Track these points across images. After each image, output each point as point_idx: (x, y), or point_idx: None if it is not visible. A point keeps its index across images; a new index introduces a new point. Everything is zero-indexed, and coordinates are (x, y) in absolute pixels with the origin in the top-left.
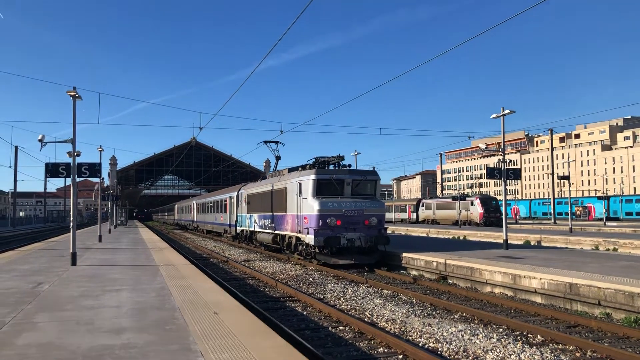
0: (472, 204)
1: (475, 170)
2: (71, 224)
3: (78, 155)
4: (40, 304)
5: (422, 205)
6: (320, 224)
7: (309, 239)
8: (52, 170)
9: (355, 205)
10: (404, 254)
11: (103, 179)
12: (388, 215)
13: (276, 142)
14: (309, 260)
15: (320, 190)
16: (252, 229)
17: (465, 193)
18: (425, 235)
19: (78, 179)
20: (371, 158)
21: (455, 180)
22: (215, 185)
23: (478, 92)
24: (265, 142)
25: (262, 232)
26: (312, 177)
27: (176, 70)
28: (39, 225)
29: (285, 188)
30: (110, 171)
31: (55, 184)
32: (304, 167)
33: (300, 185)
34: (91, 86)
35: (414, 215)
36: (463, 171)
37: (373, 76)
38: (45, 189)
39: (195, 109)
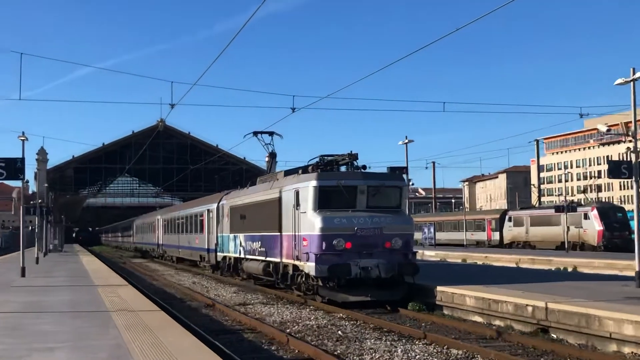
0: (585, 217)
1: (590, 165)
2: None
3: None
4: None
5: (509, 220)
6: (323, 248)
7: (309, 267)
8: None
9: (371, 222)
10: (475, 293)
11: (27, 182)
12: (455, 236)
13: (270, 134)
14: (311, 297)
15: (324, 200)
16: (236, 254)
17: (576, 201)
18: (514, 265)
19: None
20: (430, 148)
21: (558, 180)
22: (195, 191)
23: (593, 48)
24: (255, 133)
25: (251, 260)
26: (313, 183)
27: (135, 19)
28: None
29: (280, 198)
30: (38, 170)
31: None
32: (305, 169)
33: (297, 194)
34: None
35: (496, 235)
36: (571, 167)
37: (428, 28)
38: None
39: (164, 77)
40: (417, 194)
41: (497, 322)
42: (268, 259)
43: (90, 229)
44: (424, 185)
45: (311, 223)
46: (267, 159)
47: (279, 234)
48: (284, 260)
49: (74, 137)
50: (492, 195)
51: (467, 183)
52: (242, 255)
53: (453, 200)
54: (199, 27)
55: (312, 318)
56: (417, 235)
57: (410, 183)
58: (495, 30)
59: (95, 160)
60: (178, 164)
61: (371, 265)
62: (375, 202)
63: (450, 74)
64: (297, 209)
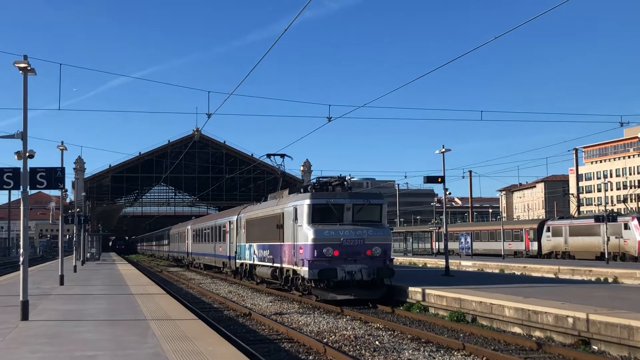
0: (625, 227)
1: (630, 174)
2: (21, 259)
3: (31, 156)
4: None
5: (547, 230)
6: (315, 255)
7: (304, 271)
8: None
9: (355, 234)
10: (515, 304)
11: (66, 191)
12: (493, 246)
13: (282, 156)
14: (307, 296)
15: (316, 216)
16: (251, 261)
17: (615, 210)
18: (552, 276)
19: (30, 192)
20: (467, 157)
21: (598, 190)
22: (230, 200)
23: (633, 56)
24: (269, 155)
25: (262, 266)
26: (307, 201)
27: (170, 30)
28: None
29: (283, 214)
30: (76, 180)
31: None
32: (305, 189)
33: (296, 210)
34: (50, 55)
35: (534, 246)
36: (611, 176)
37: (465, 37)
38: None
39: (201, 87)
40: (453, 203)
41: (537, 334)
42: (275, 264)
43: (127, 237)
44: (460, 194)
45: (305, 234)
46: (302, 168)
47: (282, 243)
48: (286, 265)
49: (110, 147)
50: (529, 204)
51: (504, 192)
52: (256, 262)
53: (490, 210)
54: (232, 38)
55: (348, 328)
56: (453, 245)
57: (447, 192)
58: (532, 38)
59: (131, 170)
60: (213, 173)
61: (355, 269)
62: (359, 217)
63: (489, 82)
64: (295, 223)
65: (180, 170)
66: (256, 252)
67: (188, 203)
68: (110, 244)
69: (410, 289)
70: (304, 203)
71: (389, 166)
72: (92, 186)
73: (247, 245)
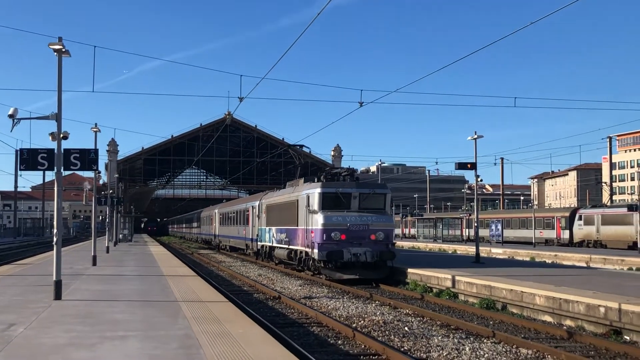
0: None
1: None
2: (54, 239)
3: (65, 138)
4: (12, 356)
5: (579, 218)
6: (324, 238)
7: (315, 253)
8: (29, 159)
9: (360, 220)
10: (546, 293)
11: (99, 172)
12: (524, 234)
13: (300, 146)
14: (318, 275)
15: (326, 203)
16: (270, 243)
17: None
18: (584, 265)
19: (64, 173)
20: (499, 144)
21: (631, 179)
22: (260, 184)
23: None
24: (289, 146)
25: (279, 248)
26: (318, 190)
27: (204, 14)
28: (6, 240)
29: (297, 200)
30: (109, 162)
31: (28, 179)
32: (319, 179)
33: (308, 197)
34: (84, 38)
35: (565, 234)
36: None
37: (500, 23)
38: (15, 187)
39: (233, 70)
40: (484, 190)
41: (568, 323)
42: (290, 247)
43: (158, 219)
44: (492, 181)
45: (316, 220)
46: (332, 152)
47: (296, 227)
48: (300, 248)
49: (143, 129)
50: (561, 193)
51: (536, 180)
52: (274, 244)
53: (521, 198)
54: (265, 22)
55: (377, 313)
56: (484, 233)
57: (479, 179)
58: (568, 24)
59: (164, 152)
60: (244, 156)
61: (360, 252)
62: (365, 205)
63: (522, 68)
64: (308, 209)
65: (212, 154)
66: (275, 235)
67: (219, 186)
68: (143, 225)
69: (433, 273)
70: (315, 191)
71: (420, 152)
72: (125, 168)
73: (267, 229)
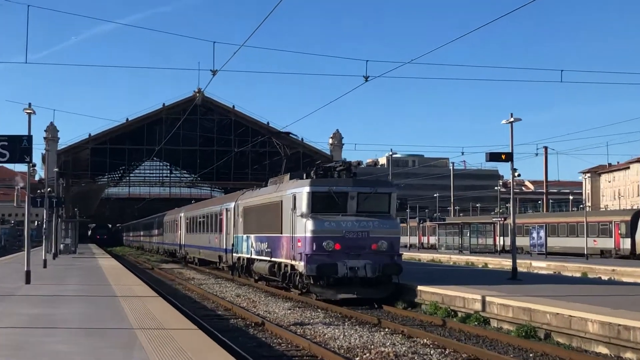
0: None
1: None
2: None
3: None
4: None
5: None
6: (314, 249)
7: (302, 267)
8: None
9: (359, 225)
10: (600, 317)
11: (34, 166)
12: (572, 243)
13: (287, 134)
14: (307, 294)
15: (316, 205)
16: (248, 255)
17: None
18: None
19: None
20: (541, 129)
21: None
22: (239, 180)
23: None
24: (273, 134)
25: (259, 260)
26: (307, 189)
27: None
28: None
29: (281, 201)
30: (47, 153)
31: None
32: (308, 174)
33: (295, 198)
34: None
35: (626, 243)
36: None
37: None
38: None
39: (205, 36)
40: (523, 187)
41: (629, 355)
42: (273, 259)
43: (110, 225)
44: (533, 176)
45: (304, 225)
46: (330, 141)
47: (280, 235)
48: (284, 260)
49: (91, 111)
50: (621, 191)
51: (588, 175)
52: (253, 256)
53: (570, 197)
54: None
55: (387, 344)
56: (523, 242)
57: (516, 174)
58: None
59: (117, 140)
60: (219, 145)
61: (358, 265)
62: (365, 207)
63: (571, 33)
64: (294, 212)
65: (178, 142)
66: (254, 244)
67: (187, 183)
68: (90, 233)
69: (458, 293)
70: (303, 190)
71: (442, 140)
72: (67, 160)
73: (245, 236)
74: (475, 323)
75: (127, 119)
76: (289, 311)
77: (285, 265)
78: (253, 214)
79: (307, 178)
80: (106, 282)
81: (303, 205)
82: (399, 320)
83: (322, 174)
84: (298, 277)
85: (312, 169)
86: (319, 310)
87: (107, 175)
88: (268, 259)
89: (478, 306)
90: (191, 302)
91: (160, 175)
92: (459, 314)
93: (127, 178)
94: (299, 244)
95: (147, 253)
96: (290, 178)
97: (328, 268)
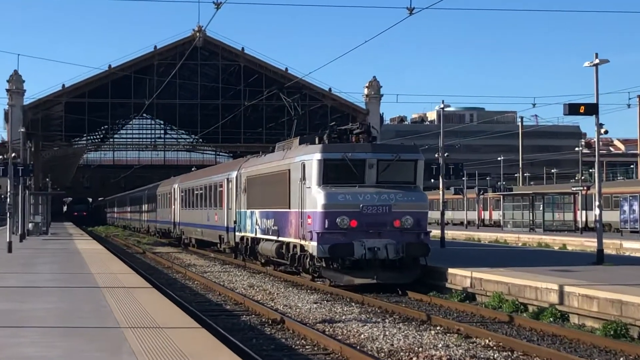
0: None
1: None
2: None
3: None
4: None
5: None
6: (326, 226)
7: (312, 247)
8: None
9: (379, 199)
10: None
11: None
12: None
13: (298, 91)
14: (319, 279)
15: (329, 175)
16: (253, 234)
17: None
18: None
19: None
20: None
21: None
22: (251, 142)
23: None
24: (280, 89)
25: (265, 240)
26: (317, 155)
27: None
28: None
29: (289, 170)
30: (10, 108)
31: None
32: (321, 138)
33: (304, 166)
34: None
35: None
36: None
37: None
38: None
39: None
40: (611, 148)
41: None
42: (280, 238)
43: (91, 199)
44: (623, 134)
45: (314, 199)
46: (366, 91)
47: (288, 210)
48: (292, 239)
49: (65, 56)
50: None
51: None
52: (259, 235)
53: None
54: None
55: (439, 346)
56: (612, 217)
57: (602, 131)
58: None
59: (97, 93)
60: (225, 98)
61: (378, 245)
62: (386, 177)
63: None
64: (303, 183)
65: (174, 95)
66: (259, 221)
67: (185, 146)
68: (66, 209)
69: (528, 282)
70: (312, 157)
71: (507, 90)
72: (36, 118)
73: (249, 212)
74: (550, 319)
75: (110, 66)
76: (315, 305)
77: (294, 246)
78: (258, 186)
79: (319, 143)
80: (86, 269)
81: (313, 174)
82: (454, 316)
83: (336, 138)
84: (308, 260)
85: (325, 132)
86: (353, 304)
87: (86, 136)
88: (275, 238)
89: (554, 298)
90: (192, 294)
91: (153, 136)
92: (529, 309)
93: (111, 140)
94: (309, 220)
95: (137, 233)
96: (300, 142)
97: (343, 249)
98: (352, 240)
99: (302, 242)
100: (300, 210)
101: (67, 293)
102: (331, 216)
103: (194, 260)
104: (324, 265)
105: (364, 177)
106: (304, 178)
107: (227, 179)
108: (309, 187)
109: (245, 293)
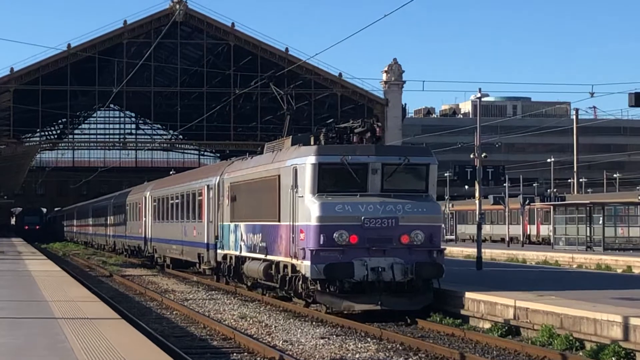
0: None
1: None
2: None
3: None
4: None
5: None
6: (321, 242)
7: (305, 267)
8: None
9: (383, 210)
10: None
11: None
12: None
13: (301, 77)
14: (313, 305)
15: (325, 181)
16: (237, 252)
17: None
18: None
19: None
20: None
21: None
22: (241, 140)
23: None
24: (270, 78)
25: (251, 259)
26: (311, 159)
27: None
28: None
29: (279, 176)
30: None
31: None
32: (316, 138)
33: (295, 172)
34: None
35: None
36: None
37: None
38: None
39: None
40: None
41: None
42: (269, 257)
43: (45, 210)
44: None
45: (308, 210)
46: (385, 77)
47: (278, 223)
48: (283, 258)
49: (15, 34)
50: None
51: None
52: (244, 253)
53: None
54: None
55: None
56: None
57: None
58: None
59: (54, 79)
60: (212, 85)
61: (383, 265)
62: (392, 184)
63: None
64: (294, 192)
65: (148, 81)
66: (244, 236)
67: (162, 144)
68: (14, 221)
69: (585, 313)
70: (306, 161)
71: (558, 76)
72: None
73: (233, 225)
74: (613, 359)
75: (69, 45)
76: (322, 341)
77: (285, 266)
78: (243, 194)
79: (314, 143)
80: (40, 296)
81: (307, 181)
82: (493, 355)
83: (334, 138)
84: (301, 282)
85: (322, 131)
86: (369, 339)
87: (40, 132)
88: (262, 256)
89: (617, 333)
90: (171, 327)
91: (121, 132)
92: (587, 345)
93: (71, 137)
94: (302, 235)
95: (101, 252)
96: (293, 143)
97: (341, 269)
98: (352, 259)
99: (294, 261)
100: (291, 223)
101: (16, 326)
102: (327, 230)
103: (173, 285)
104: (319, 288)
105: (367, 185)
106: (296, 185)
107: (208, 186)
108: (302, 196)
109: (235, 325)
